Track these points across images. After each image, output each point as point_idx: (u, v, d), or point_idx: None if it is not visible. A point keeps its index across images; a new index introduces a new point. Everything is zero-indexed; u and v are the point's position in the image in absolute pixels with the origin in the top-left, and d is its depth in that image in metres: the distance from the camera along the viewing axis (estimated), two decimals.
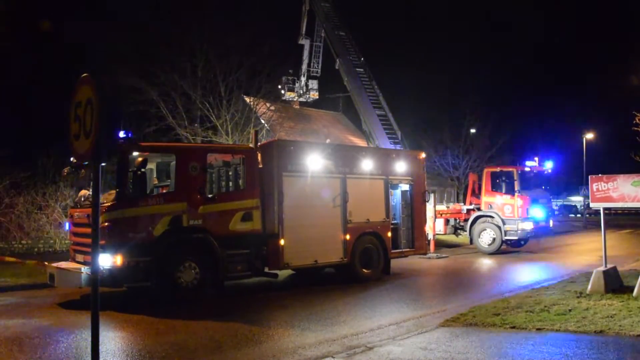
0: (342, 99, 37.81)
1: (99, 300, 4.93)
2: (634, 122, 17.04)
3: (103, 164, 5.48)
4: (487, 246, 20.32)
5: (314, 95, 38.93)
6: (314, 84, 39.14)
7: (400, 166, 14.55)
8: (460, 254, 20.36)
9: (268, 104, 24.96)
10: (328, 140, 21.31)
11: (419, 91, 54.82)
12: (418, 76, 63.26)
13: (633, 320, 7.86)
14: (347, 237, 13.04)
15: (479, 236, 20.54)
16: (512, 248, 21.16)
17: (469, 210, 21.39)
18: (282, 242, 11.85)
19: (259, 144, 12.57)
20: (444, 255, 19.28)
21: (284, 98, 32.75)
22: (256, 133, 13.05)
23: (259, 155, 12.13)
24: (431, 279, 14.75)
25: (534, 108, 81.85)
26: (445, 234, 21.90)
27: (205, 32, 21.82)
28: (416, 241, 14.91)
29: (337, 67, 31.00)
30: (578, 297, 9.85)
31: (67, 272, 10.42)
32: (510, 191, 20.05)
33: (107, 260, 9.74)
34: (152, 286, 10.28)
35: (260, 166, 12.06)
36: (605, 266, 10.65)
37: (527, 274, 15.60)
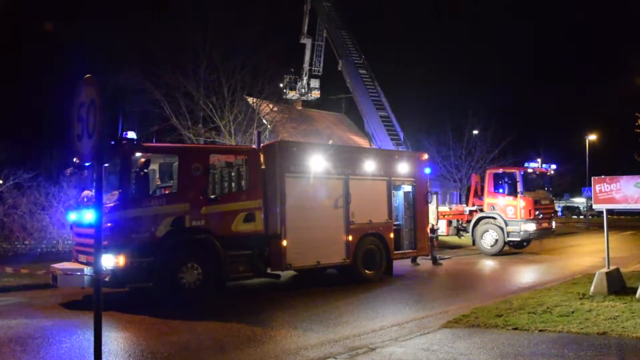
0: (344, 100, 37.88)
1: (101, 301, 4.94)
2: (637, 123, 17.04)
3: (106, 165, 5.49)
4: (489, 247, 20.30)
5: (315, 94, 38.97)
6: (315, 83, 39.18)
7: (403, 167, 14.55)
8: (463, 255, 20.34)
9: (271, 105, 24.98)
10: (331, 141, 21.30)
11: (422, 92, 54.81)
12: (420, 77, 63.20)
13: (636, 322, 7.84)
14: (350, 238, 13.04)
15: (482, 237, 20.53)
16: (514, 249, 21.13)
17: (471, 212, 21.38)
18: (284, 243, 11.85)
19: (261, 144, 12.58)
20: (446, 257, 19.25)
21: (286, 97, 32.80)
22: (259, 134, 13.07)
23: (262, 156, 12.14)
24: (433, 280, 14.73)
25: (537, 109, 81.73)
26: (447, 235, 21.91)
27: (208, 32, 21.87)
28: (419, 242, 14.91)
29: (339, 69, 31.02)
30: (581, 298, 9.83)
31: (70, 273, 10.44)
32: (513, 192, 20.03)
33: (110, 261, 9.75)
34: (155, 287, 10.28)
35: (263, 167, 12.08)
36: (608, 267, 10.63)
37: (529, 275, 15.58)
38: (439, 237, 20.13)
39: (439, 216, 20.01)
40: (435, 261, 17.17)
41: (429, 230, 15.90)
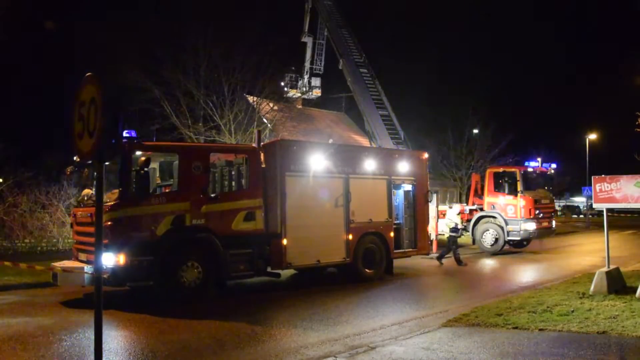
0: (344, 99, 37.87)
1: (102, 299, 4.94)
2: (637, 122, 17.04)
3: (106, 163, 5.49)
4: (489, 246, 20.31)
5: (317, 92, 38.94)
6: (316, 81, 39.15)
7: (403, 166, 14.54)
8: (463, 254, 20.26)
9: (271, 104, 24.98)
10: (331, 140, 21.29)
11: (422, 91, 54.85)
12: (421, 76, 63.22)
13: (636, 321, 7.84)
14: (350, 237, 13.04)
15: (482, 236, 20.54)
16: (514, 248, 21.14)
17: (471, 211, 21.38)
18: (284, 241, 11.85)
19: (261, 143, 12.58)
20: (446, 256, 19.23)
21: (287, 95, 32.81)
22: (259, 133, 13.06)
23: (262, 155, 12.14)
24: (433, 279, 14.74)
25: (538, 108, 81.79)
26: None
27: (208, 31, 21.87)
28: (419, 241, 14.90)
29: (340, 67, 31.00)
30: (581, 297, 9.83)
31: (70, 271, 10.44)
32: (513, 192, 20.04)
33: (110, 259, 9.75)
34: (155, 285, 10.29)
35: (263, 166, 12.07)
36: (608, 267, 10.63)
37: (529, 274, 15.59)
38: (439, 236, 20.14)
39: (439, 215, 20.00)
40: (440, 258, 17.16)
41: (448, 229, 15.98)
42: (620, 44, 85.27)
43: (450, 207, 19.16)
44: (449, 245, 17.32)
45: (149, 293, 10.69)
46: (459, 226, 18.28)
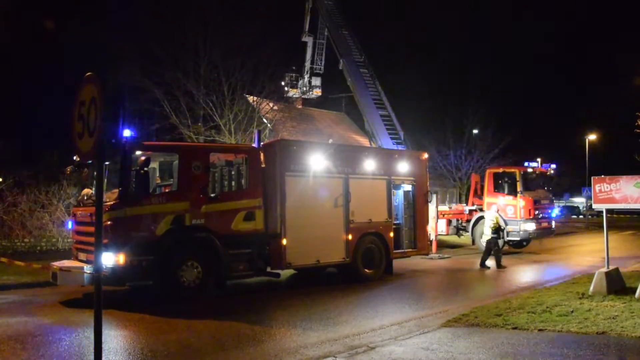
0: (344, 99, 37.85)
1: (102, 299, 4.94)
2: (637, 123, 17.07)
3: (106, 163, 5.50)
4: None
5: (317, 92, 38.92)
6: (317, 81, 39.13)
7: (403, 166, 14.55)
8: (462, 255, 20.34)
9: (271, 104, 24.98)
10: (331, 140, 21.30)
11: (422, 91, 54.88)
12: (421, 76, 63.27)
13: (635, 322, 7.84)
14: (350, 237, 13.04)
15: (481, 237, 20.46)
16: (514, 249, 21.13)
17: (471, 211, 21.38)
18: (284, 241, 11.85)
19: (261, 143, 12.58)
20: (446, 256, 19.27)
21: (287, 95, 32.80)
22: (259, 133, 13.07)
23: (262, 155, 12.14)
24: (433, 280, 14.74)
25: (537, 109, 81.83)
26: (447, 234, 21.91)
27: (208, 31, 21.88)
28: (418, 241, 14.91)
29: (340, 68, 30.99)
30: (580, 298, 9.84)
31: (70, 271, 10.44)
32: (513, 192, 20.04)
33: (110, 259, 9.75)
34: (155, 285, 10.29)
35: (263, 166, 12.08)
36: (608, 267, 10.64)
37: (529, 274, 15.58)
38: (438, 236, 20.14)
39: (438, 215, 19.98)
40: (499, 264, 16.00)
41: (490, 231, 15.72)
42: (620, 44, 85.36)
43: (488, 209, 18.38)
44: (491, 248, 16.04)
45: (149, 293, 10.69)
46: (502, 226, 17.13)
